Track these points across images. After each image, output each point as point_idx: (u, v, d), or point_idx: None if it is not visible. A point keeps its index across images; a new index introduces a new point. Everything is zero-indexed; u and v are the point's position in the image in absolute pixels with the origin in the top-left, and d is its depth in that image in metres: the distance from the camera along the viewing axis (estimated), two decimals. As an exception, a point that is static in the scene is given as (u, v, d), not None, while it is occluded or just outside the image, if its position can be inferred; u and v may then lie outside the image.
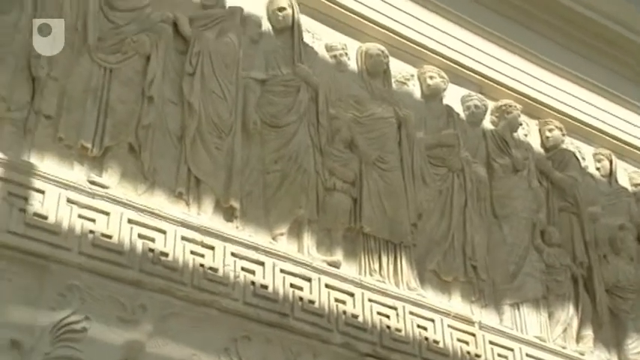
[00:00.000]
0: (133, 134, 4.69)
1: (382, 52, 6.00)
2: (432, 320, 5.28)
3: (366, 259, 5.32)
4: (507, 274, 5.96)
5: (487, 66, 6.59)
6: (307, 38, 5.73)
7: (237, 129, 5.06)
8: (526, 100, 6.72)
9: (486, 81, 6.60)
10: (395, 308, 5.17)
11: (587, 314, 6.19)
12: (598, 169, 7.03)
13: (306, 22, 5.78)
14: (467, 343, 5.37)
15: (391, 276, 5.35)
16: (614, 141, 7.14)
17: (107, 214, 4.38)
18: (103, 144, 4.57)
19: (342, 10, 6.00)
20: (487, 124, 6.51)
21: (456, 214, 5.85)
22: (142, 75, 4.82)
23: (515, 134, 6.56)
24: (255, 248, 4.80)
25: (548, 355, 5.74)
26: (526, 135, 6.71)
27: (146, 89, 4.79)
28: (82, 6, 4.77)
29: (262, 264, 4.77)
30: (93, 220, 4.33)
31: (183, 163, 4.82)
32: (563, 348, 5.90)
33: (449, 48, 6.42)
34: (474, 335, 5.42)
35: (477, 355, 5.35)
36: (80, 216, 4.30)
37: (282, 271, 4.83)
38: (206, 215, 4.77)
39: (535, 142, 6.75)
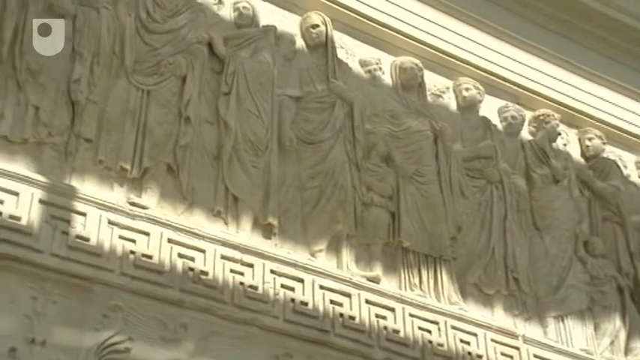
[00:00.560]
0: (171, 155, 4.75)
1: (416, 65, 5.99)
2: (475, 334, 5.23)
3: (406, 274, 5.29)
4: (550, 286, 5.88)
5: (524, 76, 6.54)
6: (341, 54, 5.75)
7: (273, 146, 5.10)
8: (564, 109, 6.65)
9: (523, 91, 6.54)
10: (436, 323, 5.12)
11: (635, 325, 6.06)
12: (640, 176, 6.92)
13: (339, 38, 5.81)
14: (511, 357, 5.29)
15: (432, 290, 5.31)
16: (657, 148, 7.02)
17: (147, 234, 4.43)
18: (141, 165, 4.64)
19: (376, 25, 6.01)
20: (525, 134, 6.45)
21: (496, 226, 5.79)
22: (178, 96, 4.89)
23: (554, 144, 6.48)
24: (294, 265, 4.80)
25: (595, 368, 5.64)
26: (565, 145, 6.63)
27: (183, 110, 4.86)
28: (119, 30, 4.86)
29: (302, 281, 4.78)
30: (133, 241, 4.38)
31: (220, 181, 4.86)
32: (611, 361, 5.79)
33: (484, 59, 6.39)
34: (517, 349, 5.35)
35: (522, 369, 5.28)
36: (121, 237, 4.36)
37: (321, 287, 4.82)
38: (245, 233, 4.80)
39: (575, 152, 6.66)
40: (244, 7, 5.44)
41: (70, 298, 4.10)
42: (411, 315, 5.06)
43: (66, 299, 4.09)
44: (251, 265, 4.65)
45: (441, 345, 5.04)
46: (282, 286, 4.70)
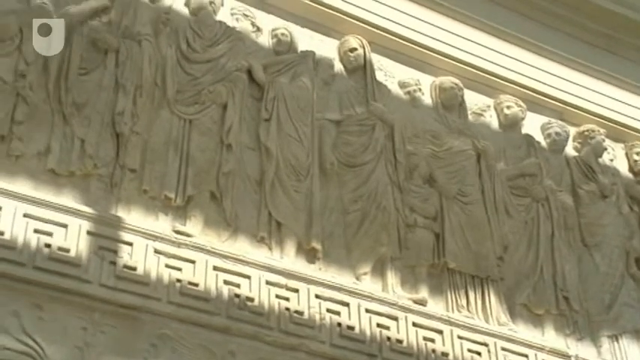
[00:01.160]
0: (214, 182, 4.79)
1: (456, 85, 5.97)
2: (526, 356, 5.14)
3: (453, 295, 5.24)
4: (602, 305, 5.75)
5: (567, 92, 6.48)
6: (380, 76, 5.76)
7: (314, 171, 5.11)
8: (610, 123, 6.55)
9: (567, 107, 6.47)
10: (486, 344, 5.05)
11: (691, 343, 5.88)
12: (692, 191, 6.74)
13: (377, 60, 5.82)
14: (564, 378, 5.19)
15: (480, 311, 5.25)
16: None
17: (193, 262, 4.46)
18: (185, 193, 4.69)
19: (414, 47, 6.01)
20: (570, 150, 6.36)
21: (544, 244, 5.71)
22: (219, 124, 4.94)
23: (600, 159, 6.38)
24: (340, 289, 4.79)
25: (653, 388, 5.49)
26: (612, 160, 6.51)
27: (224, 137, 4.91)
28: (160, 61, 4.94)
29: (347, 305, 4.75)
30: (179, 269, 4.41)
31: (263, 207, 4.89)
32: (670, 380, 5.63)
33: (525, 76, 6.34)
34: (570, 369, 5.25)
35: (576, 390, 5.17)
36: (167, 265, 4.40)
37: (367, 310, 4.79)
38: (289, 258, 4.80)
39: (622, 167, 6.54)
40: (282, 34, 5.49)
41: (119, 327, 4.14)
42: (459, 337, 4.99)
43: (115, 329, 4.13)
44: (296, 290, 4.65)
45: (491, 367, 4.97)
46: (328, 310, 4.68)
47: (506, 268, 5.52)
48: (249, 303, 4.47)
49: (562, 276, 5.67)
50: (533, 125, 6.29)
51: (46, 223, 4.18)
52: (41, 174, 4.38)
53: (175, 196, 4.66)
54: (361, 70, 5.65)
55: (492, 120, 6.17)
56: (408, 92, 5.87)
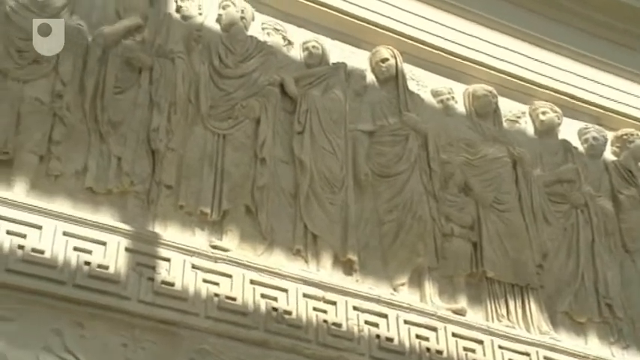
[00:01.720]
0: (249, 196, 4.81)
1: (490, 92, 5.94)
2: (570, 365, 5.06)
3: (493, 305, 5.19)
4: (647, 312, 5.64)
5: (603, 96, 6.40)
6: (412, 86, 5.75)
7: (349, 182, 5.11)
8: (649, 127, 6.44)
9: (604, 111, 6.39)
10: (528, 354, 4.98)
11: None
12: None
13: (409, 70, 5.81)
14: (609, 387, 5.09)
15: (520, 320, 5.19)
16: None
17: (229, 276, 4.48)
18: (221, 208, 4.71)
19: (447, 55, 5.99)
20: (608, 155, 6.27)
21: (584, 251, 5.63)
22: (253, 138, 4.97)
23: (640, 163, 6.28)
24: (377, 300, 4.76)
25: (703, 396, 5.36)
26: (652, 163, 6.40)
27: (258, 151, 4.93)
28: (193, 78, 4.99)
29: (385, 316, 4.73)
30: (217, 284, 4.43)
31: (299, 220, 4.89)
32: None
33: (561, 82, 6.29)
34: (616, 378, 5.15)
35: (622, 400, 5.07)
36: (205, 280, 4.42)
37: (406, 322, 4.76)
38: (325, 271, 4.80)
39: (663, 170, 6.42)
40: (314, 47, 5.52)
41: (159, 343, 4.16)
42: (500, 347, 4.93)
43: (154, 345, 4.15)
44: (334, 303, 4.63)
45: (533, 377, 4.90)
46: (366, 322, 4.66)
47: (546, 275, 5.45)
48: (286, 316, 4.47)
49: (604, 283, 5.58)
50: (569, 131, 6.22)
51: (86, 241, 4.23)
52: (79, 192, 4.44)
53: (211, 211, 4.69)
54: (393, 80, 5.65)
55: (528, 126, 6.12)
56: (441, 101, 5.85)
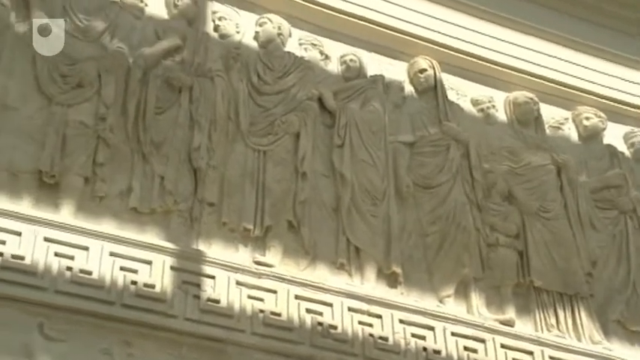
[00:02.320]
0: (290, 211, 4.82)
1: (531, 99, 5.88)
2: (624, 374, 4.95)
3: (541, 315, 5.11)
4: (702, 319, 5.48)
5: (649, 100, 6.28)
6: (451, 95, 5.71)
7: (390, 194, 5.09)
8: (697, 128, 6.30)
9: (650, 115, 6.27)
10: (580, 364, 4.89)
11: None
12: None
13: (448, 79, 5.78)
14: (667, 398, 4.96)
15: (571, 330, 5.10)
16: None
17: (274, 292, 4.48)
18: (263, 224, 4.73)
19: (485, 64, 5.95)
20: (656, 159, 6.14)
21: (635, 257, 5.53)
22: (293, 153, 4.98)
23: (690, 166, 6.13)
24: (423, 313, 4.72)
25: None
26: (702, 166, 6.25)
27: (299, 166, 4.95)
28: (233, 95, 5.03)
29: (432, 328, 4.68)
30: (262, 300, 4.44)
31: (341, 234, 4.88)
32: None
33: (604, 86, 6.20)
34: (674, 389, 5.01)
35: (681, 411, 4.93)
36: (249, 296, 4.43)
37: (453, 334, 4.71)
38: (369, 284, 4.77)
39: None
40: (351, 60, 5.52)
41: (205, 360, 4.19)
42: (550, 357, 4.85)
43: (201, 362, 4.18)
44: (379, 316, 4.61)
45: (587, 388, 4.80)
46: (413, 335, 4.62)
47: (596, 283, 5.36)
48: (332, 330, 4.45)
49: (657, 290, 5.45)
50: (614, 135, 6.12)
51: (132, 260, 4.28)
52: (124, 213, 4.49)
53: (254, 227, 4.70)
54: (432, 90, 5.63)
55: (571, 132, 6.05)
56: (482, 109, 5.81)
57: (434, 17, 5.86)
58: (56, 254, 4.14)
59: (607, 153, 5.97)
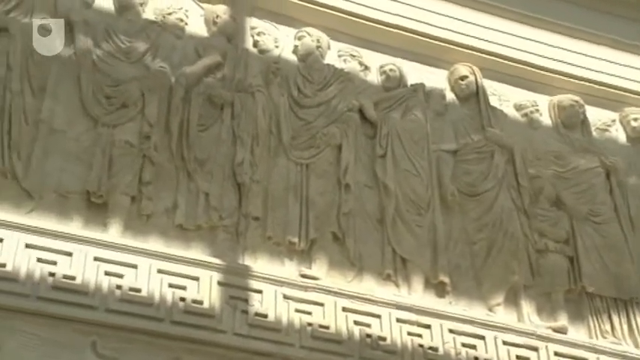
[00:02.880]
0: (335, 223, 4.82)
1: (576, 102, 5.80)
2: (684, 381, 4.81)
3: (595, 321, 5.02)
4: None
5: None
6: (494, 101, 5.66)
7: (435, 203, 5.06)
8: None
9: (699, 113, 6.10)
10: (637, 371, 4.77)
11: None
12: None
13: (490, 85, 5.73)
14: None
15: (627, 336, 5.01)
16: None
17: (321, 305, 4.48)
18: (308, 237, 4.73)
19: (527, 68, 5.88)
20: None
21: (693, 259, 5.36)
22: (335, 165, 4.98)
23: None
24: (473, 322, 4.67)
25: None
26: None
27: (342, 178, 4.94)
28: (273, 110, 5.06)
29: (482, 338, 4.62)
30: (309, 313, 4.43)
31: (387, 244, 4.86)
32: None
33: (653, 86, 6.07)
34: None
35: None
36: (297, 310, 4.43)
37: (504, 342, 4.65)
38: (417, 294, 4.74)
39: None
40: (391, 70, 5.51)
41: (255, 375, 4.20)
42: (607, 365, 4.75)
43: (251, 377, 4.19)
44: (428, 326, 4.56)
45: (646, 396, 4.68)
46: (463, 345, 4.57)
47: (651, 287, 5.23)
48: (381, 342, 4.43)
49: None
50: (663, 135, 5.99)
51: (179, 277, 4.31)
52: (170, 230, 4.54)
53: (299, 241, 4.71)
54: (474, 97, 5.58)
55: (619, 134, 5.95)
56: (525, 114, 5.74)
57: (472, 23, 5.82)
58: (106, 273, 4.20)
59: (657, 153, 5.86)
